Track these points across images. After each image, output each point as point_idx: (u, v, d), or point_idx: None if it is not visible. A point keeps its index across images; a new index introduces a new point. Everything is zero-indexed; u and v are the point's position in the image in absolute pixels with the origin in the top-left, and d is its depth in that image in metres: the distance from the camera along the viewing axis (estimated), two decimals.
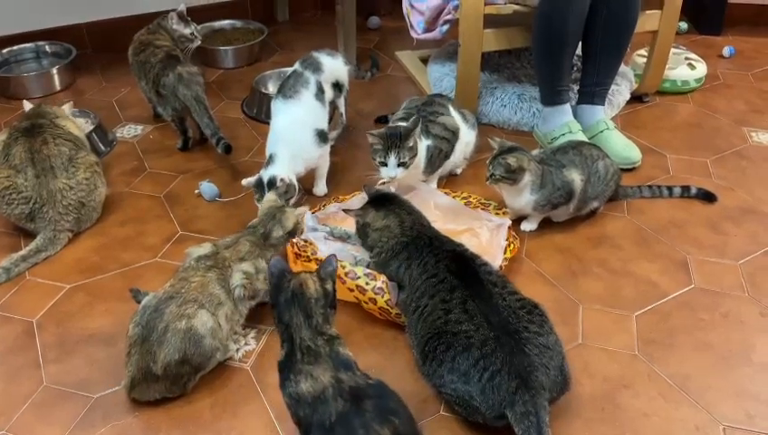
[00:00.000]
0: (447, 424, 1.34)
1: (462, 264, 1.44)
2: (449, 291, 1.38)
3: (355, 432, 1.07)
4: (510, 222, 1.78)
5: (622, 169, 1.99)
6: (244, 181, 1.86)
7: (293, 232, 1.59)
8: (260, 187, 1.82)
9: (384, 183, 1.97)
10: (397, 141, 1.76)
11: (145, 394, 1.37)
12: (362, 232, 1.57)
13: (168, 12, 2.34)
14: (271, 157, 1.87)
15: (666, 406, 1.38)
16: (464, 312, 1.33)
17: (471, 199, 1.89)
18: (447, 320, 1.34)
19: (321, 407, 1.11)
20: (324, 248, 1.66)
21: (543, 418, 1.22)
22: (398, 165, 1.77)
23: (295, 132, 1.91)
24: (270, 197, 1.66)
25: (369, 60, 2.37)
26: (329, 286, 1.24)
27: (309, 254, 1.63)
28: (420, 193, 1.86)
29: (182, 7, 2.35)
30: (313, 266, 1.54)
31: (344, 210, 1.69)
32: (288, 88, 1.97)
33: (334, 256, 1.28)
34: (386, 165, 1.78)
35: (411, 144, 1.77)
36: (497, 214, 1.83)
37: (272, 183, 1.80)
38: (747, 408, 1.37)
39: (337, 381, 1.13)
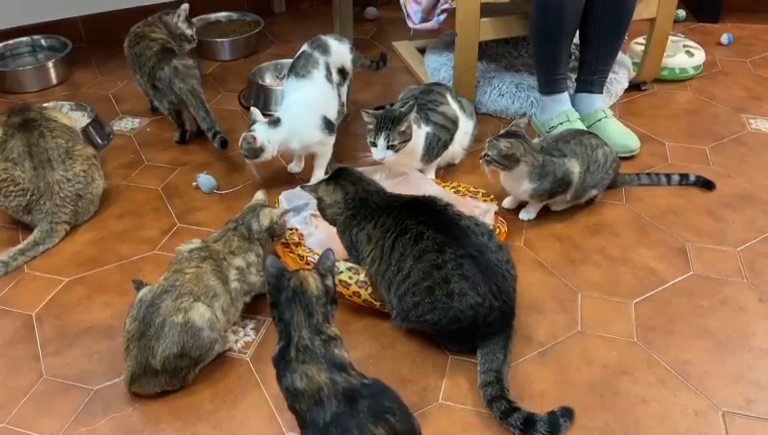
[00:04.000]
0: (447, 412, 1.35)
1: (423, 208, 1.47)
2: (438, 251, 1.38)
3: (349, 433, 1.06)
4: (497, 207, 1.79)
5: (621, 158, 1.99)
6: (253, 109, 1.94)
7: (272, 232, 1.57)
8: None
9: None
10: (389, 124, 1.75)
11: (145, 388, 1.37)
12: (320, 209, 1.60)
13: (162, 5, 2.32)
14: (278, 120, 1.90)
15: (665, 392, 1.38)
16: (463, 278, 1.37)
17: (460, 188, 1.89)
18: (450, 292, 1.37)
19: (316, 407, 1.10)
20: (310, 232, 1.69)
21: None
22: (388, 147, 1.76)
23: (302, 110, 1.92)
24: (258, 196, 1.66)
25: (378, 53, 2.35)
26: (329, 282, 1.23)
27: (296, 240, 1.67)
28: (410, 180, 1.86)
29: (186, 6, 2.30)
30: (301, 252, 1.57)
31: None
32: (300, 67, 1.98)
33: (330, 249, 1.28)
34: (375, 145, 1.78)
35: (403, 128, 1.76)
36: (485, 200, 1.83)
37: (252, 122, 1.88)
38: (746, 393, 1.38)
39: (332, 383, 1.12)
